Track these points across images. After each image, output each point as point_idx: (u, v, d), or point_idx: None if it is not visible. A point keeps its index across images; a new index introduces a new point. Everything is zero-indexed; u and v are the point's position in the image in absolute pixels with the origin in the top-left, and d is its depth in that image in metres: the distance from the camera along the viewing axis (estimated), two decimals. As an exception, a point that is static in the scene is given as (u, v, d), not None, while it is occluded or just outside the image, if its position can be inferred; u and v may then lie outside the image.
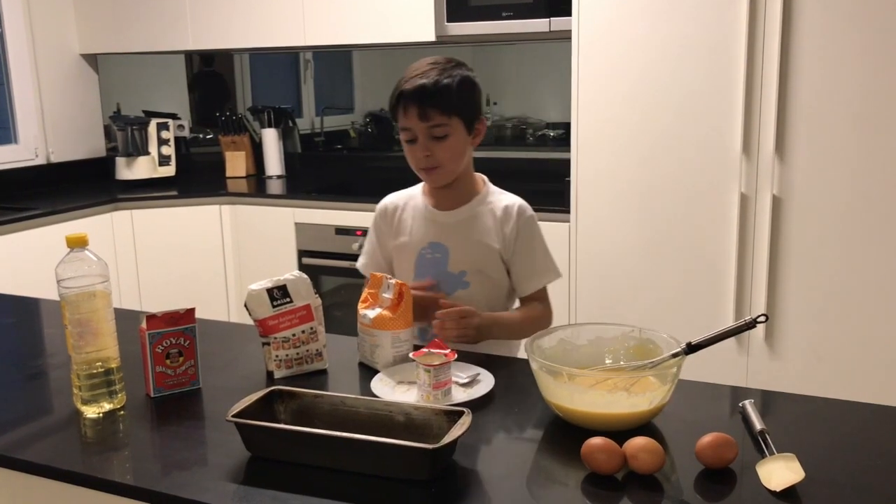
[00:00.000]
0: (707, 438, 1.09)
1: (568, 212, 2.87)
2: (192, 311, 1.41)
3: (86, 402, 1.32)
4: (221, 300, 3.68)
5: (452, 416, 1.14)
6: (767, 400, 1.37)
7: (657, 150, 2.71)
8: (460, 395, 1.37)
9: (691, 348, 1.24)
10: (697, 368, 1.51)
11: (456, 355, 1.38)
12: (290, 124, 4.20)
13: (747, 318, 1.23)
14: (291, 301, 1.49)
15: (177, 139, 4.07)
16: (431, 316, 1.60)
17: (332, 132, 4.17)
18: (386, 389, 1.39)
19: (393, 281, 1.53)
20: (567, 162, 2.87)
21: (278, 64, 4.29)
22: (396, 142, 3.29)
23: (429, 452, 1.05)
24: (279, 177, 4.09)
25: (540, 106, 3.62)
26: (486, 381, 1.41)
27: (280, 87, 4.30)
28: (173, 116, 4.10)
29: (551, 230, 2.89)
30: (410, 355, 1.39)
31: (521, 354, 1.69)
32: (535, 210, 2.89)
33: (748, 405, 1.25)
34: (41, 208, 3.29)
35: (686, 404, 1.31)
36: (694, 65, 2.61)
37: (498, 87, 3.69)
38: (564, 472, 1.13)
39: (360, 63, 4.02)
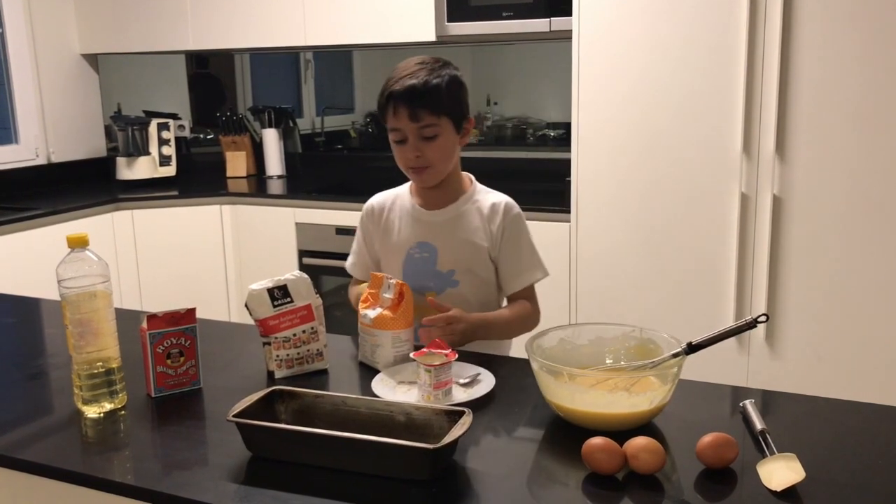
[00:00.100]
0: (708, 438, 1.09)
1: (568, 212, 2.87)
2: (192, 311, 1.41)
3: (86, 402, 1.32)
4: (222, 300, 3.68)
5: (453, 416, 1.14)
6: (768, 400, 1.37)
7: (657, 149, 2.71)
8: (461, 395, 1.37)
9: (692, 348, 1.24)
10: (698, 368, 1.51)
11: (457, 355, 1.38)
12: (291, 124, 4.20)
13: (748, 317, 1.23)
14: (292, 301, 1.49)
15: (177, 139, 4.07)
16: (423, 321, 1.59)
17: (332, 132, 4.17)
18: (386, 389, 1.39)
19: (393, 281, 1.53)
20: (567, 162, 2.87)
21: (279, 64, 4.29)
22: (397, 142, 3.28)
23: (429, 452, 1.05)
24: (280, 177, 4.09)
25: (540, 106, 3.62)
26: (487, 381, 1.41)
27: (280, 87, 4.30)
28: (174, 116, 4.10)
29: (552, 230, 2.91)
30: (411, 355, 1.39)
31: (513, 353, 1.69)
32: (536, 210, 2.94)
33: (749, 405, 1.25)
34: (42, 208, 3.29)
35: (686, 404, 1.31)
36: (694, 65, 2.61)
37: (498, 87, 3.69)
38: (565, 472, 1.13)
39: (360, 63, 4.02)
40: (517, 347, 1.69)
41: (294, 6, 3.53)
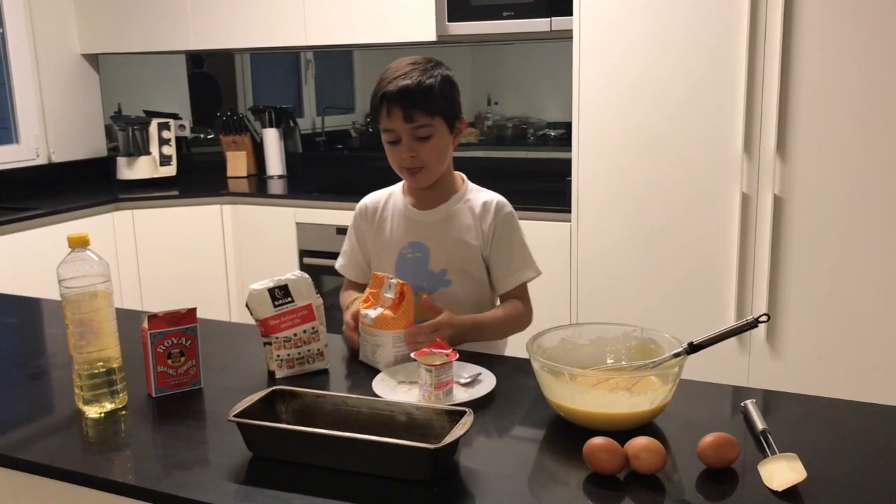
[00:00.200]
0: (709, 438, 1.09)
1: (569, 211, 2.87)
2: (193, 310, 1.41)
3: (87, 402, 1.32)
4: (223, 300, 3.68)
5: (454, 415, 1.14)
6: (769, 399, 1.37)
7: (658, 149, 2.71)
8: (462, 394, 1.37)
9: (693, 348, 1.24)
10: (699, 368, 1.51)
11: (457, 355, 1.38)
12: (291, 124, 4.20)
13: (749, 317, 1.23)
14: (293, 301, 1.49)
15: (178, 139, 4.07)
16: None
17: (332, 132, 4.17)
18: (387, 389, 1.39)
19: (394, 281, 1.53)
20: (568, 162, 2.87)
21: (279, 64, 4.29)
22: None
23: (430, 452, 1.05)
24: (280, 177, 4.09)
25: (541, 106, 3.62)
26: (488, 381, 1.41)
27: (281, 87, 4.30)
28: (174, 116, 4.10)
29: (552, 230, 2.91)
30: (412, 355, 1.39)
31: (508, 352, 1.69)
32: (537, 210, 2.94)
33: (750, 405, 1.25)
34: (42, 208, 3.29)
35: (688, 404, 1.30)
36: (695, 64, 2.61)
37: (499, 87, 3.69)
38: (566, 471, 1.13)
39: (360, 63, 4.02)
40: (513, 347, 1.69)
41: (294, 6, 3.53)
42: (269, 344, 1.48)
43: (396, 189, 1.78)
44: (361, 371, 1.52)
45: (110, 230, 3.51)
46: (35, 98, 3.84)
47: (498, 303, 1.78)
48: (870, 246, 2.49)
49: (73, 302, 1.30)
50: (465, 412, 1.14)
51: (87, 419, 1.31)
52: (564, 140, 3.44)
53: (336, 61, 4.10)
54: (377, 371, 1.48)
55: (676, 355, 1.24)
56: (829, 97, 2.47)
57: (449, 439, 1.07)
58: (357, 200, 1.83)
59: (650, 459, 1.06)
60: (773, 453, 1.10)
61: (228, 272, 3.67)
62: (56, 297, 1.40)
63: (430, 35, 3.26)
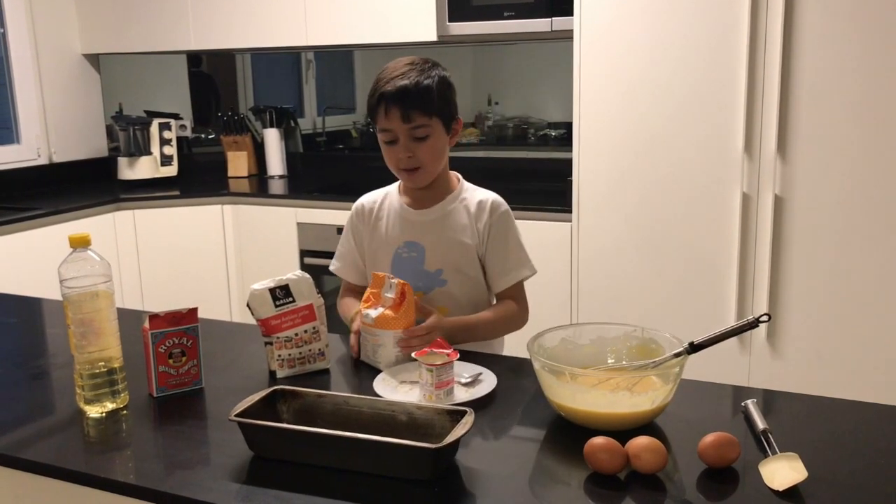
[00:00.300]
0: (709, 438, 1.09)
1: (570, 211, 2.87)
2: (194, 310, 1.41)
3: (89, 402, 1.32)
4: (224, 300, 3.68)
5: (455, 415, 1.14)
6: (770, 399, 1.37)
7: (659, 149, 2.71)
8: (462, 394, 1.37)
9: (694, 348, 1.24)
10: (699, 368, 1.51)
11: (458, 355, 1.38)
12: (292, 124, 4.20)
13: (749, 317, 1.23)
14: (294, 301, 1.49)
15: (179, 139, 4.08)
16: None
17: (333, 132, 4.18)
18: (388, 389, 1.39)
19: (395, 280, 1.53)
20: (568, 162, 2.87)
21: (280, 64, 4.29)
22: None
23: (431, 452, 1.05)
24: (281, 177, 4.09)
25: (541, 106, 3.62)
26: (489, 381, 1.41)
27: (282, 87, 4.30)
28: (175, 116, 4.11)
29: (553, 230, 2.91)
30: (413, 355, 1.39)
31: (508, 352, 1.69)
32: (537, 210, 2.94)
33: (750, 405, 1.25)
34: (43, 208, 3.30)
35: (688, 404, 1.31)
36: (696, 64, 2.61)
37: (499, 87, 3.69)
38: (567, 471, 1.13)
39: (361, 63, 4.02)
40: (514, 347, 1.69)
41: (295, 6, 3.53)
42: (270, 344, 1.48)
43: (392, 189, 1.79)
44: (362, 371, 1.52)
45: (111, 230, 3.51)
46: (36, 98, 3.84)
47: (494, 301, 1.78)
48: (870, 246, 2.49)
49: (74, 302, 1.30)
50: (465, 412, 1.14)
51: (88, 419, 1.32)
52: (565, 140, 3.44)
53: (337, 61, 4.10)
54: (378, 371, 1.48)
55: (677, 355, 1.24)
56: (829, 97, 2.47)
57: (450, 439, 1.07)
58: (358, 200, 1.83)
59: (651, 459, 1.06)
60: (774, 453, 1.10)
61: (229, 272, 3.67)
62: (57, 296, 1.41)
63: (430, 35, 3.26)
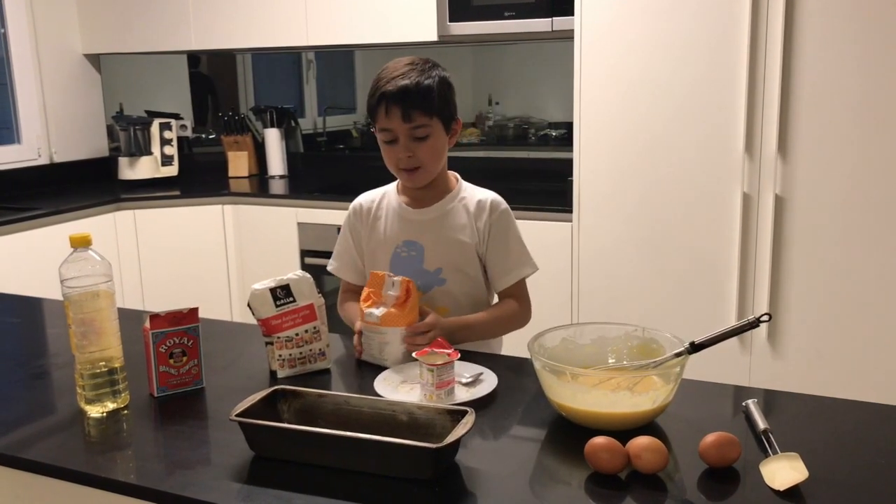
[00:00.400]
0: (710, 438, 1.09)
1: (570, 211, 2.87)
2: (195, 310, 1.41)
3: (89, 402, 1.32)
4: (224, 300, 3.68)
5: (456, 415, 1.15)
6: (770, 399, 1.37)
7: (659, 149, 2.71)
8: (463, 394, 1.37)
9: (695, 348, 1.24)
10: (700, 368, 1.51)
11: (459, 355, 1.38)
12: (293, 124, 4.20)
13: (750, 317, 1.23)
14: (294, 301, 1.49)
15: (179, 139, 4.08)
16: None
17: (334, 132, 4.18)
18: (389, 389, 1.39)
19: (399, 278, 1.54)
20: (569, 162, 2.87)
21: (281, 64, 4.29)
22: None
23: (432, 452, 1.05)
24: (282, 177, 4.09)
25: (542, 106, 3.62)
26: (489, 381, 1.41)
27: (282, 87, 4.30)
28: (176, 116, 4.11)
29: (553, 230, 2.91)
30: (413, 355, 1.39)
31: (509, 352, 1.69)
32: (538, 210, 2.94)
33: (751, 404, 1.25)
34: (44, 208, 3.30)
35: (689, 404, 1.31)
36: (696, 64, 2.61)
37: (500, 87, 3.69)
38: (568, 471, 1.13)
39: (362, 63, 4.02)
40: (515, 347, 1.69)
41: (296, 6, 3.53)
42: (271, 343, 1.48)
43: (390, 188, 1.79)
44: (363, 371, 1.52)
45: (112, 230, 3.51)
46: (37, 98, 3.84)
47: (496, 299, 1.79)
48: (871, 246, 2.49)
49: (75, 302, 1.30)
50: (466, 412, 1.14)
51: (89, 419, 1.32)
52: (565, 140, 3.44)
53: (337, 61, 4.10)
54: (379, 370, 1.48)
55: (678, 355, 1.24)
56: (830, 97, 2.47)
57: (450, 439, 1.07)
58: (359, 200, 1.82)
59: (652, 459, 1.06)
60: (775, 453, 1.10)
61: (230, 272, 3.67)
62: (58, 296, 1.41)
63: (431, 35, 3.26)
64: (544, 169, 3.56)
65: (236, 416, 1.15)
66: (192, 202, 3.64)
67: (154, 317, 1.37)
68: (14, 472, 1.20)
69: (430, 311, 1.60)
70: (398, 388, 1.40)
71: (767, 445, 1.13)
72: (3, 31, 3.72)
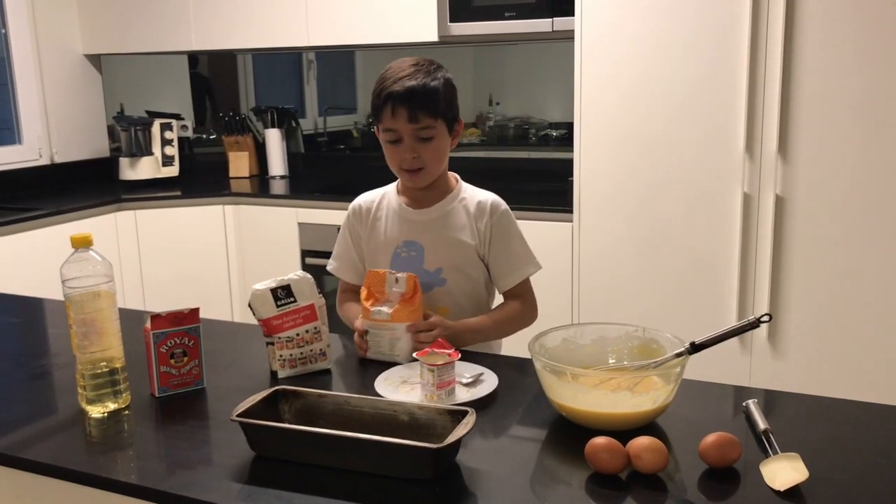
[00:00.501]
0: (711, 438, 1.09)
1: (571, 211, 2.87)
2: (196, 310, 1.41)
3: (90, 402, 1.33)
4: (225, 300, 3.69)
5: (456, 415, 1.15)
6: (771, 399, 1.37)
7: (660, 149, 2.71)
8: (464, 394, 1.37)
9: (695, 348, 1.24)
10: (700, 368, 1.51)
11: (459, 355, 1.38)
12: (294, 124, 4.20)
13: (751, 317, 1.23)
14: (295, 301, 1.49)
15: (180, 139, 4.08)
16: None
17: (335, 132, 4.18)
18: (389, 389, 1.39)
19: (403, 275, 1.55)
20: (570, 162, 2.87)
21: (281, 64, 4.29)
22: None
23: (433, 452, 1.05)
24: (282, 177, 4.09)
25: (542, 106, 3.62)
26: (490, 381, 1.41)
27: (283, 88, 4.31)
28: (177, 117, 4.11)
29: (554, 230, 2.91)
30: (414, 355, 1.40)
31: (510, 352, 1.69)
32: (538, 210, 2.94)
33: (751, 405, 1.25)
34: (45, 209, 3.30)
35: (689, 404, 1.31)
36: (697, 64, 2.61)
37: (500, 87, 3.69)
38: (568, 471, 1.13)
39: (362, 63, 4.02)
40: (515, 347, 1.69)
41: (296, 7, 3.53)
42: (272, 344, 1.48)
43: (390, 189, 1.79)
44: (364, 371, 1.52)
45: (113, 230, 3.51)
46: (38, 98, 3.84)
47: (500, 298, 1.79)
48: (871, 246, 2.49)
49: (76, 302, 1.30)
50: (467, 412, 1.14)
51: (90, 419, 1.32)
52: (566, 140, 3.44)
53: (338, 62, 4.10)
54: (379, 371, 1.48)
55: (678, 355, 1.24)
56: (830, 97, 2.47)
57: (451, 439, 1.07)
58: (359, 200, 1.83)
59: (652, 459, 1.06)
60: (775, 453, 1.10)
61: (231, 272, 3.68)
62: (59, 297, 1.41)
63: (431, 35, 3.26)
64: (545, 169, 3.56)
65: (237, 416, 1.16)
66: (192, 202, 3.64)
67: (155, 317, 1.37)
68: (15, 472, 1.20)
69: (432, 313, 1.61)
70: (399, 389, 1.40)
71: (768, 445, 1.13)
72: (3, 31, 3.72)
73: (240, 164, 4.14)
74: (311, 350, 1.49)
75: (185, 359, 1.40)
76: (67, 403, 1.38)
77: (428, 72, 1.62)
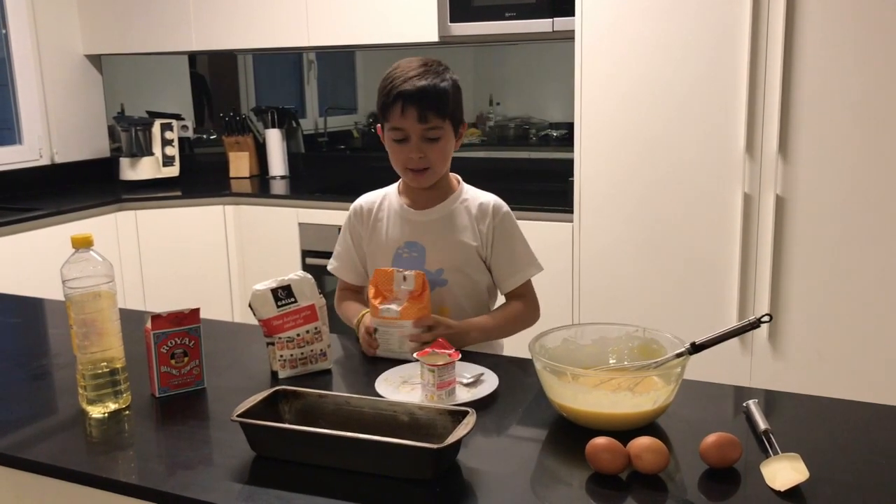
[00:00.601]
0: (711, 438, 1.09)
1: (571, 212, 2.87)
2: (196, 311, 1.41)
3: (91, 402, 1.33)
4: (225, 300, 3.69)
5: (456, 415, 1.15)
6: (771, 400, 1.37)
7: (660, 149, 2.71)
8: (464, 394, 1.37)
9: (695, 348, 1.24)
10: (701, 368, 1.51)
11: (460, 355, 1.38)
12: (294, 125, 4.20)
13: (751, 317, 1.23)
14: (296, 301, 1.49)
15: (180, 139, 4.08)
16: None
17: (335, 132, 4.18)
18: (390, 389, 1.39)
19: (411, 272, 1.55)
20: (570, 162, 2.87)
21: (281, 64, 4.29)
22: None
23: (433, 452, 1.05)
24: (283, 177, 4.10)
25: (543, 106, 3.62)
26: (490, 381, 1.41)
27: (283, 88, 4.31)
28: (177, 117, 4.11)
29: (554, 230, 2.91)
30: (414, 355, 1.40)
31: (510, 353, 1.69)
32: (539, 210, 2.94)
33: (752, 405, 1.25)
34: (46, 209, 3.30)
35: (690, 404, 1.31)
36: (697, 64, 2.61)
37: (501, 88, 3.69)
38: (568, 471, 1.13)
39: (363, 63, 4.02)
40: (515, 347, 1.69)
41: (297, 7, 3.53)
42: (272, 344, 1.48)
43: (391, 190, 1.79)
44: (364, 371, 1.53)
45: (113, 231, 3.51)
46: (38, 99, 3.85)
47: (502, 299, 1.79)
48: (872, 246, 2.49)
49: (76, 302, 1.30)
50: (467, 412, 1.14)
51: (90, 419, 1.32)
52: (566, 140, 3.44)
53: (338, 62, 4.10)
54: (379, 371, 1.48)
55: (679, 355, 1.24)
56: (831, 97, 2.47)
57: (451, 439, 1.07)
58: (360, 201, 1.83)
59: (652, 459, 1.06)
60: (776, 453, 1.10)
61: (231, 272, 3.68)
62: (60, 297, 1.41)
63: (432, 36, 3.26)
64: (545, 169, 3.56)
65: (237, 416, 1.16)
66: (193, 203, 3.64)
67: (156, 317, 1.37)
68: (15, 472, 1.20)
69: (433, 316, 1.61)
70: (399, 389, 1.40)
71: (768, 446, 1.13)
72: (4, 31, 3.72)
73: (240, 164, 4.14)
74: (312, 350, 1.49)
75: (186, 359, 1.40)
76: (68, 403, 1.38)
77: (437, 72, 1.63)
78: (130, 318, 1.59)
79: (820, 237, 2.55)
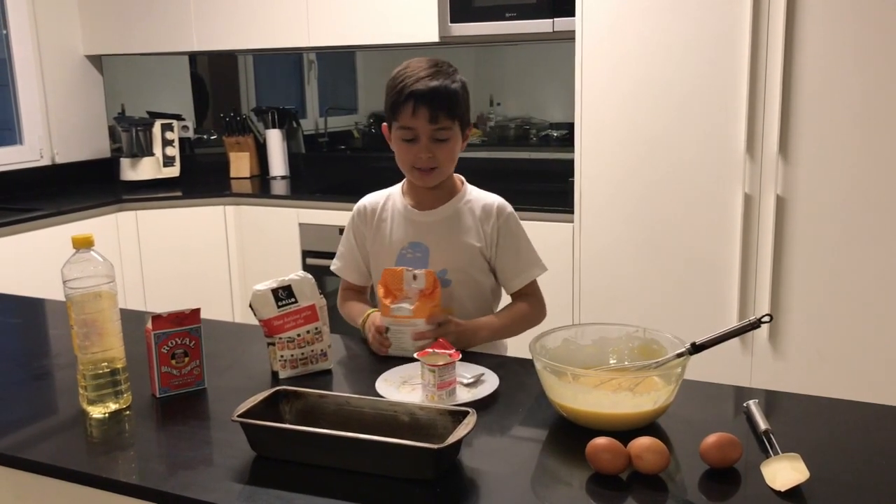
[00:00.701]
0: (711, 438, 1.09)
1: (571, 212, 2.87)
2: (197, 311, 1.41)
3: (91, 403, 1.33)
4: (226, 300, 3.69)
5: (457, 416, 1.15)
6: (771, 400, 1.37)
7: (661, 150, 2.71)
8: (465, 394, 1.37)
9: (696, 348, 1.24)
10: (701, 368, 1.51)
11: (460, 355, 1.38)
12: (294, 125, 4.21)
13: (751, 318, 1.23)
14: (296, 301, 1.49)
15: (181, 140, 4.08)
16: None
17: (335, 133, 4.18)
18: (390, 389, 1.39)
19: (421, 271, 1.56)
20: (570, 162, 2.87)
21: (282, 65, 4.29)
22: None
23: (434, 452, 1.06)
24: (283, 177, 4.10)
25: (543, 106, 3.62)
26: (491, 381, 1.41)
27: (284, 88, 4.31)
28: (177, 117, 4.11)
29: (555, 230, 2.91)
30: (415, 355, 1.40)
31: (511, 352, 1.70)
32: (539, 210, 2.94)
33: (752, 405, 1.25)
34: (46, 209, 3.30)
35: (690, 404, 1.31)
36: (697, 64, 2.61)
37: (501, 88, 3.69)
38: (569, 472, 1.13)
39: (363, 64, 4.02)
40: (516, 347, 1.69)
41: (297, 7, 3.54)
42: (273, 344, 1.48)
43: (395, 190, 1.79)
44: (365, 371, 1.53)
45: (114, 231, 3.51)
46: (39, 99, 3.85)
47: (505, 301, 1.79)
48: (872, 246, 2.49)
49: (77, 302, 1.30)
50: (468, 412, 1.14)
51: (91, 419, 1.32)
52: (567, 141, 3.44)
53: (339, 62, 4.10)
54: (380, 371, 1.48)
55: (679, 356, 1.24)
56: (831, 97, 2.47)
57: (452, 439, 1.07)
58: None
59: (653, 460, 1.06)
60: (776, 453, 1.10)
61: (232, 273, 3.68)
62: (60, 297, 1.41)
63: (432, 36, 3.26)
64: (545, 169, 3.56)
65: (238, 416, 1.16)
66: (193, 203, 3.64)
67: (156, 317, 1.37)
68: (16, 472, 1.21)
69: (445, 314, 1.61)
70: (399, 389, 1.40)
71: (768, 446, 1.13)
72: (4, 32, 3.73)
73: (241, 164, 4.14)
74: (312, 350, 1.49)
75: (186, 359, 1.40)
76: (68, 404, 1.38)
77: (448, 73, 1.64)
78: (131, 319, 1.59)
79: (820, 237, 2.55)
